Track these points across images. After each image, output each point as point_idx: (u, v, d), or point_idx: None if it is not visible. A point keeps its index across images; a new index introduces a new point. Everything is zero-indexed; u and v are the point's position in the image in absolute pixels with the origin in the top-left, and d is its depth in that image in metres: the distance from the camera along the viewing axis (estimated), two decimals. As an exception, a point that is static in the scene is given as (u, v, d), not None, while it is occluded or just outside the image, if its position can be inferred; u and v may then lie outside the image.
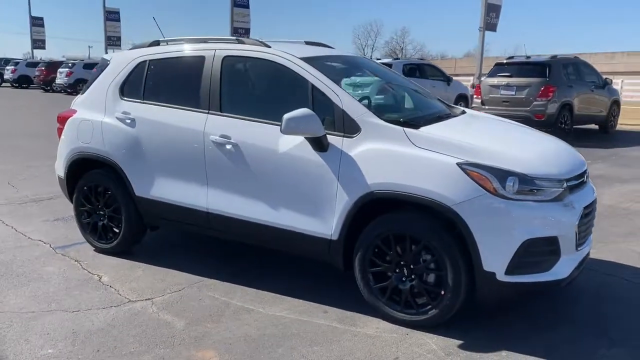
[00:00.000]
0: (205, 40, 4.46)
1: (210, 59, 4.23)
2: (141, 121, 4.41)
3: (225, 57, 4.19)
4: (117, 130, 4.51)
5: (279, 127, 3.73)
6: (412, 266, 3.48)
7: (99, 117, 4.65)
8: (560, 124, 11.68)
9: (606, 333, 3.48)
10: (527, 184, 3.27)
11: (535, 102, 11.38)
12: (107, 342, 3.36)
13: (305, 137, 3.65)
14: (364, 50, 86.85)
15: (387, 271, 3.56)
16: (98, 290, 4.09)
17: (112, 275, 4.36)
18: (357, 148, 3.56)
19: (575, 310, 3.85)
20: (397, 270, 3.53)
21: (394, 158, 3.45)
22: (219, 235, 4.36)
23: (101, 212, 4.78)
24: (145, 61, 4.57)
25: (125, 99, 4.58)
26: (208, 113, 4.14)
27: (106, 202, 4.73)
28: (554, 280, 3.35)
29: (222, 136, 4.00)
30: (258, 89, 4.42)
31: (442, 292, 3.39)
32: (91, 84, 4.89)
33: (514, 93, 11.74)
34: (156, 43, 4.69)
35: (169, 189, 4.33)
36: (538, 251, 3.29)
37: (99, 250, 4.85)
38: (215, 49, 4.25)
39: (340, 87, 3.84)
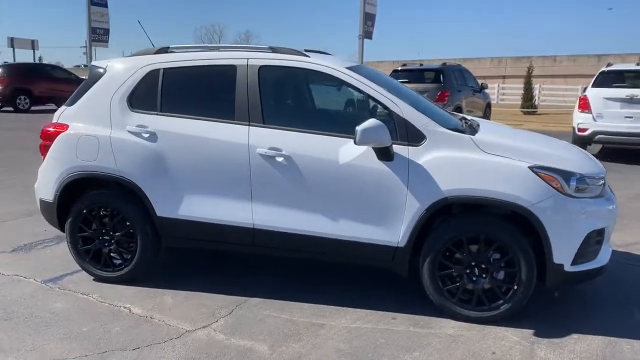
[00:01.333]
0: (227, 49, 4.24)
1: (243, 68, 4.03)
2: (164, 135, 4.06)
3: (262, 67, 4.03)
4: (132, 145, 4.10)
5: (337, 137, 3.78)
6: (483, 265, 3.69)
7: (104, 131, 4.18)
8: None
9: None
10: (583, 182, 3.66)
11: None
12: (201, 377, 3.09)
13: (373, 147, 3.67)
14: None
15: (458, 273, 3.73)
16: (141, 324, 3.70)
17: (141, 306, 3.96)
18: (426, 156, 3.67)
19: (600, 293, 4.33)
20: (468, 271, 3.72)
21: (467, 164, 3.63)
22: (263, 252, 4.17)
23: (106, 237, 4.31)
24: (157, 70, 4.20)
25: (137, 111, 4.17)
26: (249, 125, 3.95)
27: (114, 226, 4.27)
28: (601, 267, 3.79)
29: (272, 148, 3.86)
30: (304, 100, 4.31)
31: (515, 287, 3.65)
32: (82, 94, 4.36)
33: None
34: (164, 50, 4.34)
35: (202, 207, 4.05)
36: (593, 242, 3.70)
37: (101, 279, 4.36)
38: (248, 58, 4.07)
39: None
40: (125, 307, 3.94)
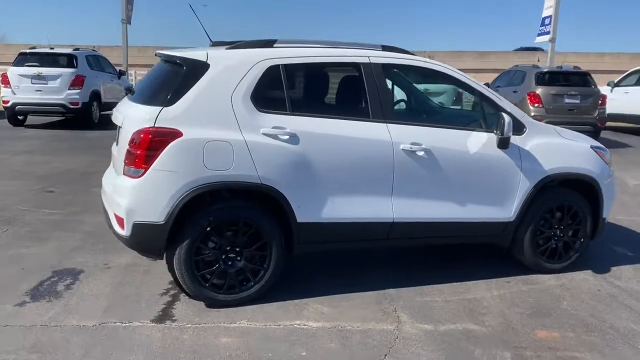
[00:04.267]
0: (339, 45, 4.15)
1: (368, 66, 4.06)
2: (305, 136, 3.80)
3: (385, 65, 4.13)
4: (273, 149, 3.72)
5: (461, 130, 4.27)
6: (562, 227, 4.66)
7: (235, 135, 3.65)
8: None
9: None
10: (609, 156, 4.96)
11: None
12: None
13: (499, 137, 4.23)
14: None
15: (548, 235, 4.62)
16: (346, 335, 3.51)
17: (310, 319, 3.70)
18: (529, 143, 4.41)
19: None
20: (553, 233, 4.65)
21: (558, 148, 4.52)
22: (393, 245, 4.29)
23: (231, 256, 3.78)
24: (277, 65, 3.85)
25: (267, 111, 3.77)
26: (385, 122, 4.03)
27: (245, 241, 3.78)
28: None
29: (413, 144, 4.05)
30: (422, 96, 4.46)
31: (582, 240, 4.74)
32: (183, 91, 3.66)
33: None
34: (270, 44, 3.97)
35: (344, 208, 3.95)
36: (610, 199, 5.05)
37: (219, 304, 3.82)
38: (368, 56, 4.09)
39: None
40: (299, 325, 3.63)
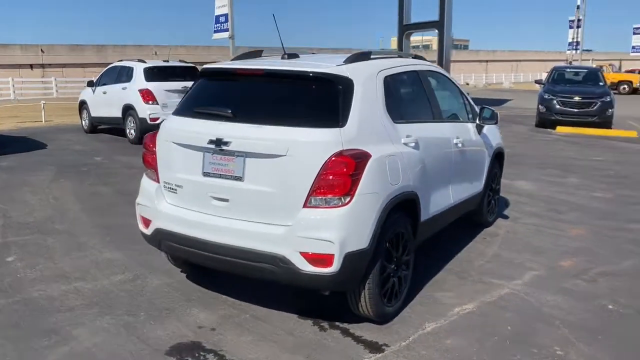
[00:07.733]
0: (398, 54, 4.49)
1: (420, 73, 4.55)
2: (422, 141, 4.07)
3: (427, 72, 4.67)
4: (412, 158, 3.91)
5: (462, 123, 5.26)
6: (492, 188, 6.09)
7: (394, 148, 3.72)
8: None
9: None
10: None
11: None
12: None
13: (480, 125, 5.33)
14: None
15: (490, 197, 5.99)
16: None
17: (462, 304, 4.11)
18: (484, 128, 5.63)
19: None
20: (490, 194, 6.05)
21: (491, 130, 5.86)
22: (444, 227, 4.86)
23: (392, 266, 3.82)
24: (387, 76, 3.98)
25: (396, 121, 3.90)
26: (444, 122, 4.65)
27: (402, 249, 3.88)
28: None
29: (457, 138, 4.78)
30: (442, 96, 4.95)
31: (497, 197, 6.30)
32: (347, 110, 3.47)
33: None
34: (367, 56, 4.02)
35: (438, 201, 4.43)
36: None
37: (389, 317, 3.83)
38: (416, 64, 4.57)
39: None
40: (462, 311, 4.00)
